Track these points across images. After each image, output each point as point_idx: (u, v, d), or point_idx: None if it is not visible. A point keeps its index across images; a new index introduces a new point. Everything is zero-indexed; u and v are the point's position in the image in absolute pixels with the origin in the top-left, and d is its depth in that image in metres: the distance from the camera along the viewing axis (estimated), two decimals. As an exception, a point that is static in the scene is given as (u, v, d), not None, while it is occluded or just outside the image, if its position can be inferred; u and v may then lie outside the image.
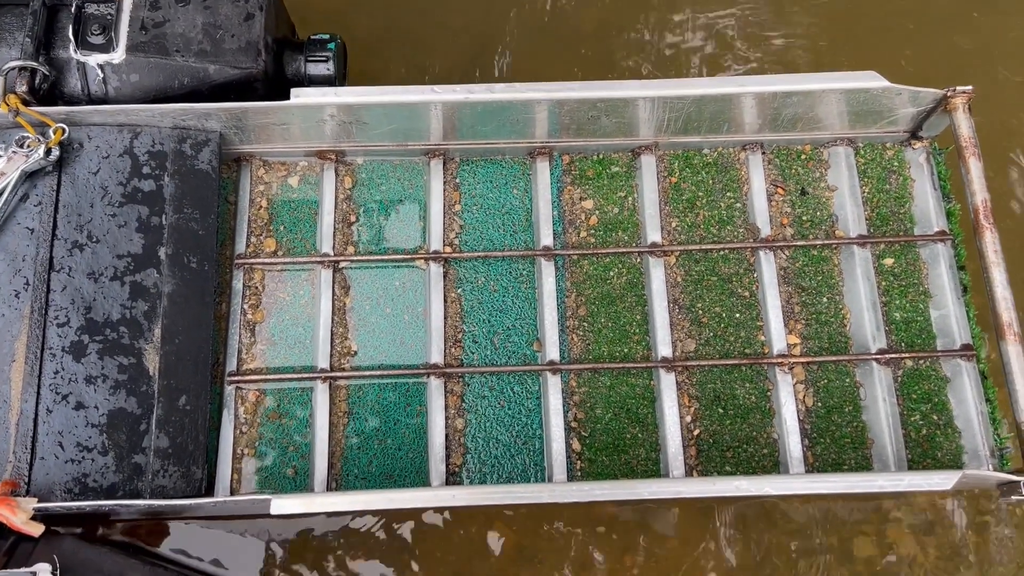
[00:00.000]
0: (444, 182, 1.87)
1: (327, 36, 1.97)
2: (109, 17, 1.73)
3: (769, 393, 1.74)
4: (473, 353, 1.76)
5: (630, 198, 1.88)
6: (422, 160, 1.90)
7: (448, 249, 1.82)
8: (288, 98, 1.73)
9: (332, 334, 1.75)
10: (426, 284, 1.80)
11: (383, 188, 1.88)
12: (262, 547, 1.90)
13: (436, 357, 1.73)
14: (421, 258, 1.81)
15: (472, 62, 2.87)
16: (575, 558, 1.95)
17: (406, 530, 1.93)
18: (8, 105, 1.65)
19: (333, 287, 1.79)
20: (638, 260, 1.83)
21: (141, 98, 1.75)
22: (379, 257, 1.81)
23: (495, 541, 1.95)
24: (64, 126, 1.68)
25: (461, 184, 1.89)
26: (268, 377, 1.72)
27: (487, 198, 1.88)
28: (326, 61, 1.95)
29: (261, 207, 1.85)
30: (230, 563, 1.89)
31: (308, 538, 1.92)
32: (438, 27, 2.85)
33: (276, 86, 1.89)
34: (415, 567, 1.92)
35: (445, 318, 1.77)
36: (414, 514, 1.94)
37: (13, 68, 1.66)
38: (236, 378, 1.72)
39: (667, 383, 1.72)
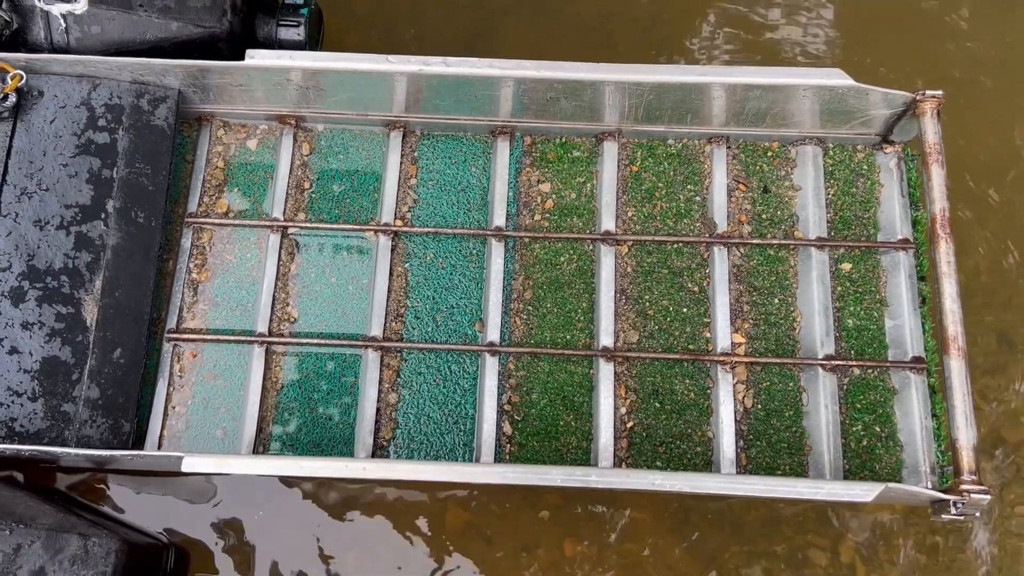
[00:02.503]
0: (402, 155, 1.86)
1: (301, 0, 1.96)
2: (69, -34, 1.74)
3: (709, 391, 1.71)
4: (414, 329, 1.75)
5: (589, 184, 1.85)
6: (383, 132, 1.89)
7: (399, 223, 1.81)
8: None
9: (274, 299, 1.75)
10: (373, 256, 1.79)
11: (340, 157, 1.87)
12: (194, 509, 1.91)
13: (376, 330, 1.72)
14: (371, 230, 1.80)
15: (471, 39, 2.84)
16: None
17: (341, 501, 1.93)
18: None
19: (280, 252, 1.78)
20: (590, 247, 1.80)
21: (102, 51, 1.75)
22: (329, 226, 1.80)
23: (429, 519, 1.94)
24: (22, 72, 1.69)
25: (419, 158, 1.87)
26: (206, 337, 1.72)
27: (444, 174, 1.86)
28: (297, 26, 1.94)
29: (217, 167, 1.85)
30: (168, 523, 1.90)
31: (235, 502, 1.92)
32: (438, 2, 2.82)
33: (244, 48, 1.88)
34: (347, 539, 1.92)
35: (389, 292, 1.76)
36: (355, 488, 1.94)
37: (-23, 9, 1.67)
38: (175, 335, 1.72)
39: (605, 373, 1.69)
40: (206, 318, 1.75)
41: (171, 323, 1.73)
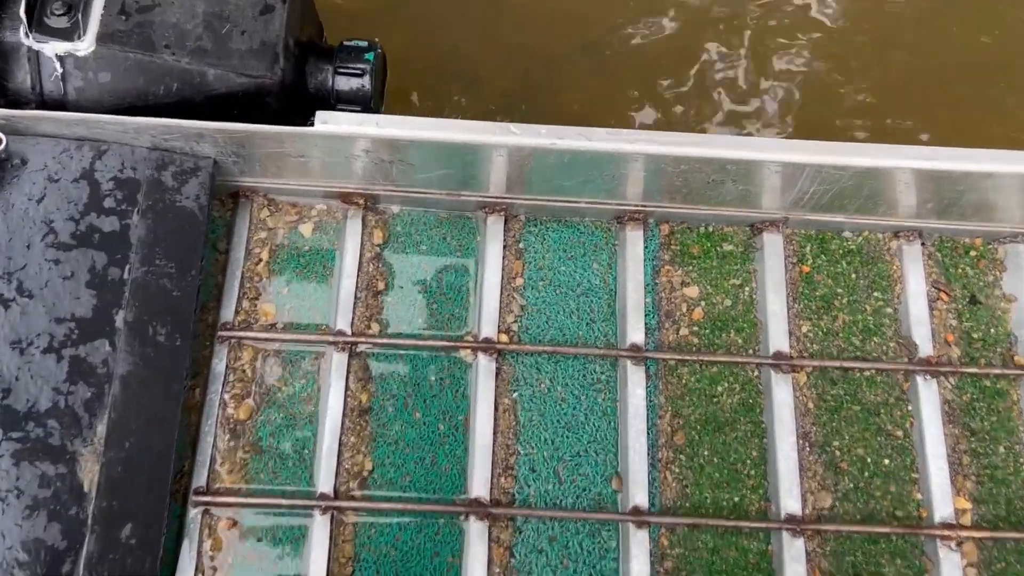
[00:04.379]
0: (504, 246, 1.42)
1: (364, 43, 1.52)
2: (77, -7, 1.28)
3: (928, 576, 1.28)
4: (529, 486, 1.30)
5: (747, 288, 1.43)
6: (477, 216, 1.45)
7: (504, 338, 1.37)
8: (309, 122, 1.28)
9: (341, 444, 1.29)
10: (472, 383, 1.34)
11: (423, 248, 1.43)
12: None
13: (479, 489, 1.27)
14: (467, 347, 1.35)
15: (524, 84, 2.43)
16: None
17: None
18: None
19: (347, 379, 1.32)
20: (756, 373, 1.37)
21: (111, 105, 1.30)
22: (412, 341, 1.35)
23: None
24: (0, 134, 1.23)
25: (525, 251, 1.44)
26: (249, 500, 1.25)
27: (559, 272, 1.42)
28: (361, 75, 1.50)
29: (260, 261, 1.39)
30: None
31: None
32: (489, 41, 2.42)
33: (294, 102, 1.44)
34: None
35: (495, 434, 1.31)
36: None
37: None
38: (206, 498, 1.25)
39: (793, 552, 1.25)
40: (248, 473, 1.28)
41: (199, 480, 1.26)
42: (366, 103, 1.51)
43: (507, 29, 2.38)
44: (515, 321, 1.39)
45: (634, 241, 1.42)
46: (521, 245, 1.44)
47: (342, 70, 1.48)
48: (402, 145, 1.26)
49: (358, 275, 1.39)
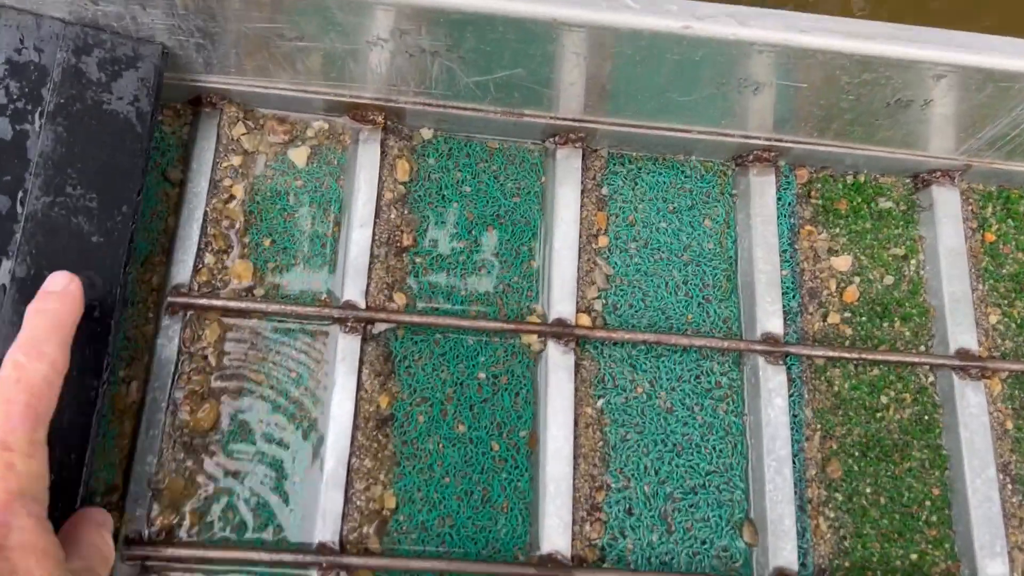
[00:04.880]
0: (582, 191, 1.00)
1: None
2: None
3: None
4: (625, 537, 0.89)
5: (913, 261, 1.04)
6: (540, 147, 1.03)
7: (584, 320, 0.95)
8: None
9: (350, 470, 0.86)
10: (540, 384, 0.93)
11: (467, 190, 1.00)
12: None
13: (554, 540, 0.86)
14: (533, 330, 0.93)
15: None
16: None
17: None
18: None
19: (359, 373, 0.90)
20: (931, 379, 0.99)
21: (8, -54, 0.84)
22: (452, 321, 0.92)
23: None
24: None
25: (611, 199, 1.02)
26: (208, 555, 0.82)
27: (657, 230, 1.01)
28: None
29: (232, 198, 0.95)
30: None
31: None
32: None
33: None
34: None
35: (575, 459, 0.90)
36: None
37: None
38: (142, 550, 0.81)
39: (1004, 640, 0.88)
40: (207, 512, 0.85)
41: (134, 523, 0.82)
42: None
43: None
44: (598, 297, 0.97)
45: (762, 189, 1.02)
46: (604, 191, 1.02)
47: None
48: (456, 19, 0.83)
49: (375, 224, 0.96)
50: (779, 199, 1.03)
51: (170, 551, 0.82)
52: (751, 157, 1.03)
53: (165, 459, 0.85)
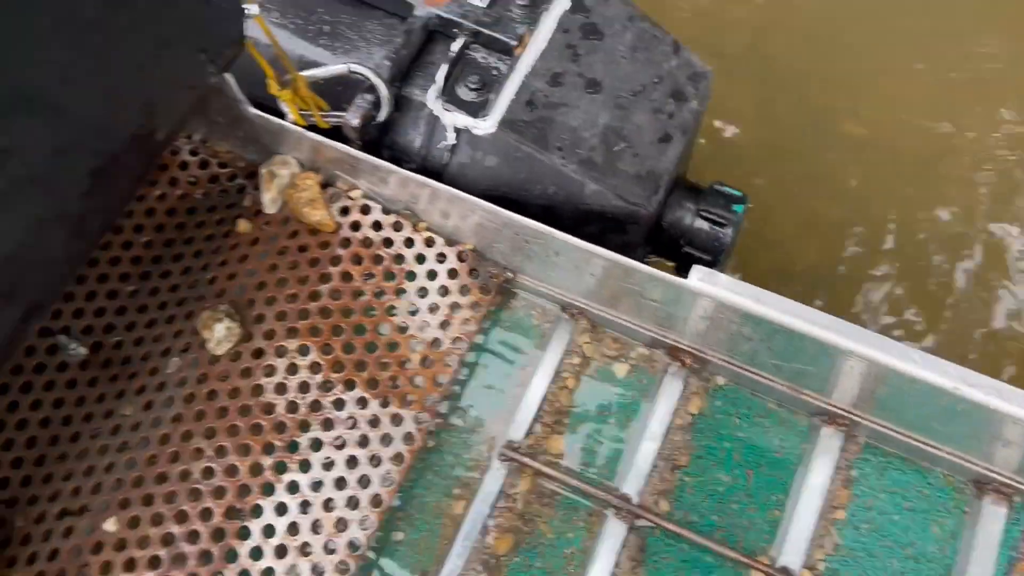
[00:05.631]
0: (835, 467, 1.22)
1: (737, 193, 1.41)
2: (495, 73, 1.26)
3: None
4: None
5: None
6: (809, 421, 1.26)
7: (807, 574, 1.16)
8: (682, 268, 1.17)
9: (593, 629, 1.13)
10: (755, 616, 1.14)
11: (740, 435, 1.26)
12: None
13: None
14: (760, 568, 1.15)
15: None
16: None
17: None
18: (300, 98, 1.18)
19: (619, 554, 1.17)
20: None
21: (484, 189, 1.25)
22: (699, 539, 1.17)
23: None
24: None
25: (857, 481, 1.22)
26: (478, 650, 1.11)
27: (890, 520, 1.20)
28: (724, 225, 1.38)
29: (565, 387, 1.28)
30: None
31: None
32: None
33: (651, 231, 1.35)
34: None
35: None
36: None
37: (361, 75, 1.20)
38: (434, 628, 1.12)
39: None
40: (485, 617, 1.14)
41: (435, 604, 1.14)
42: (717, 255, 1.39)
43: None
44: (824, 560, 1.17)
45: (992, 518, 1.18)
46: (854, 473, 1.23)
47: (706, 214, 1.37)
48: (776, 329, 1.11)
49: (662, 441, 1.24)
50: (1006, 531, 1.17)
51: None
52: (990, 487, 1.19)
53: (468, 565, 1.16)
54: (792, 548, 1.16)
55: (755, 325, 1.14)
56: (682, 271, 1.41)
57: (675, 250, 1.39)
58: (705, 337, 1.24)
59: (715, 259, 1.38)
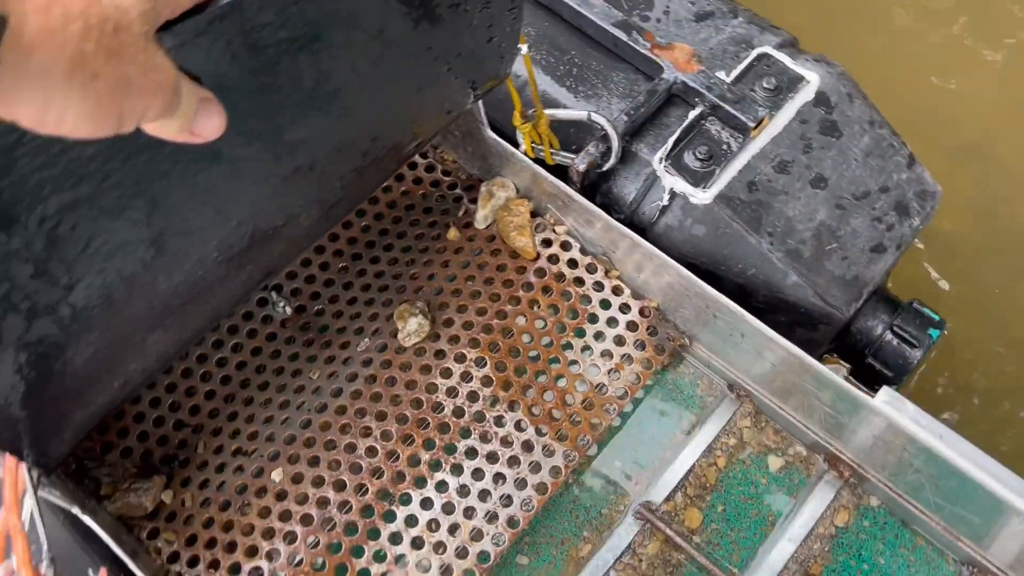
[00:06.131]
0: (974, 626, 1.17)
1: (936, 317, 1.37)
2: (724, 148, 1.28)
3: None
4: None
5: None
6: (957, 568, 1.22)
7: None
8: (858, 376, 1.16)
9: None
10: None
11: (882, 561, 1.23)
12: None
13: None
14: None
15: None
16: None
17: None
18: (536, 133, 1.25)
19: (732, 643, 1.17)
20: None
21: (684, 255, 1.28)
22: (816, 653, 1.16)
23: None
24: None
25: (995, 646, 1.17)
26: None
27: None
28: (916, 347, 1.34)
29: (714, 465, 1.29)
30: None
31: None
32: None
33: (842, 335, 1.34)
34: None
35: None
36: None
37: (599, 124, 1.25)
38: (538, 657, 1.16)
39: None
40: (588, 662, 1.18)
41: (543, 635, 1.18)
42: (901, 374, 1.36)
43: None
44: None
45: None
46: (994, 637, 1.18)
47: (899, 331, 1.34)
48: (952, 472, 1.08)
49: (800, 545, 1.22)
50: None
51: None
52: None
53: (582, 609, 1.19)
54: None
55: (929, 461, 1.11)
56: (858, 378, 1.39)
57: (857, 357, 1.37)
58: (870, 455, 1.22)
59: (897, 377, 1.35)
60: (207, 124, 0.57)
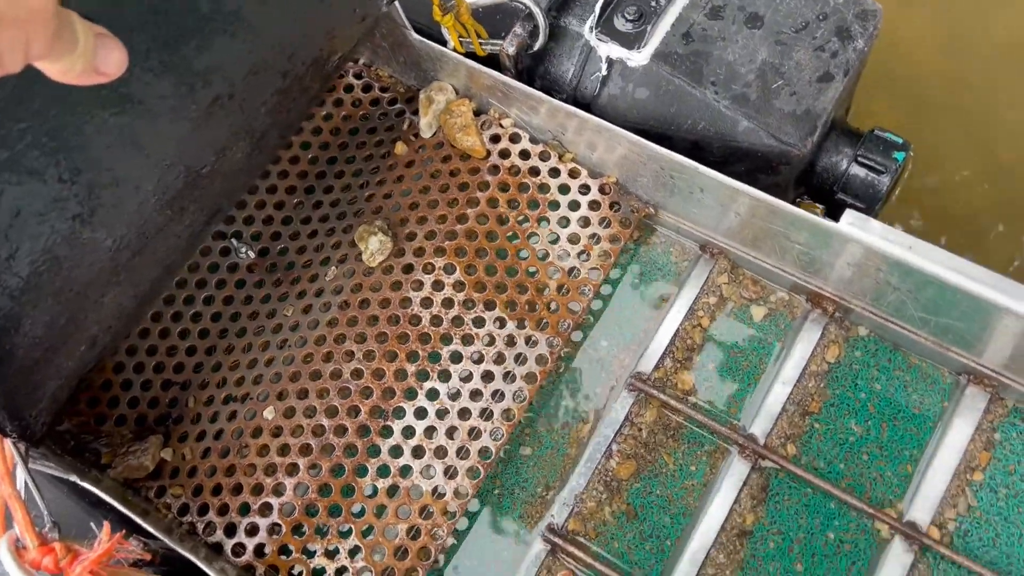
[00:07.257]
0: (976, 428, 1.18)
1: (899, 140, 1.35)
2: (653, 5, 1.25)
3: None
4: None
5: None
6: (953, 378, 1.22)
7: (935, 533, 1.13)
8: (832, 214, 1.15)
9: (707, 556, 1.15)
10: (875, 563, 1.13)
11: (877, 387, 1.23)
12: None
13: None
14: (886, 520, 1.14)
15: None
16: None
17: None
18: (460, 25, 1.22)
19: (740, 491, 1.18)
20: None
21: (632, 123, 1.26)
22: (825, 485, 1.16)
23: None
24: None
25: (999, 445, 1.18)
26: (594, 565, 1.16)
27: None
28: (882, 173, 1.33)
29: (699, 326, 1.29)
30: None
31: None
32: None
33: (798, 175, 1.32)
34: None
35: (882, 636, 1.09)
36: None
37: (520, 3, 1.22)
38: (556, 539, 1.18)
39: None
40: (606, 532, 1.19)
41: (559, 517, 1.20)
42: (872, 204, 1.34)
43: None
44: (955, 520, 1.15)
45: None
46: (997, 436, 1.18)
47: (863, 160, 1.32)
48: (928, 281, 1.07)
49: (794, 386, 1.23)
50: None
51: (569, 548, 1.17)
52: None
53: (591, 485, 1.21)
54: (922, 504, 1.14)
55: (905, 275, 1.10)
56: (832, 217, 1.38)
57: (827, 196, 1.36)
58: (850, 285, 1.21)
59: (869, 208, 1.34)
60: (108, 58, 0.55)
